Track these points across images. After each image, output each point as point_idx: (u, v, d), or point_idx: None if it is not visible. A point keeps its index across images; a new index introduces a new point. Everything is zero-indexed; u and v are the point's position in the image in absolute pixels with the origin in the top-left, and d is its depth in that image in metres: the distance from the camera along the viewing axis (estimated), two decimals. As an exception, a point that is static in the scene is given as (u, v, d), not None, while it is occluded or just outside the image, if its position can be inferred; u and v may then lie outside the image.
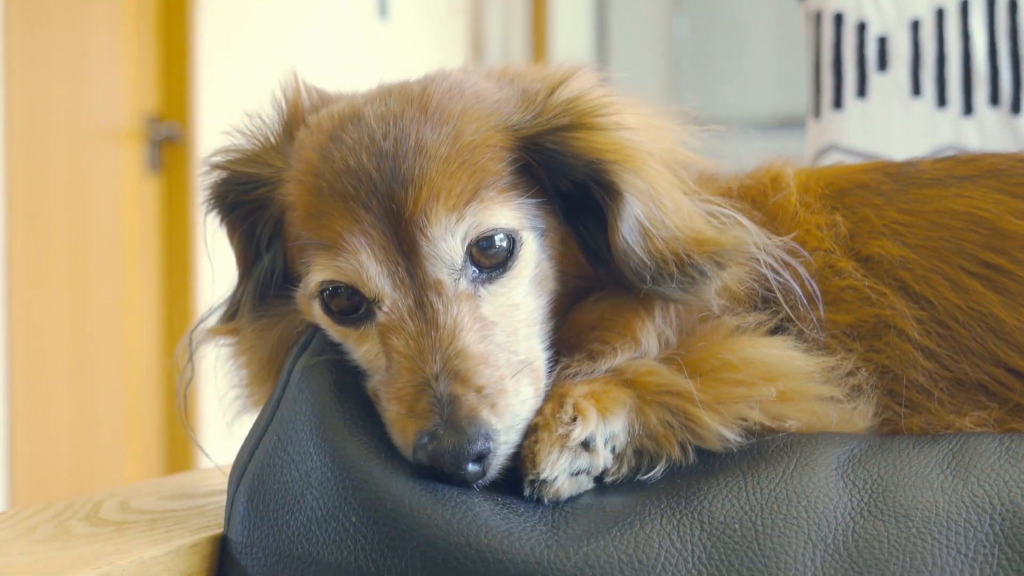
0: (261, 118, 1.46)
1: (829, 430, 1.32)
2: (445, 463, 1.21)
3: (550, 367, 1.34)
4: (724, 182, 1.49)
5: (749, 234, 1.36)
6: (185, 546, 1.22)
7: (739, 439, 1.29)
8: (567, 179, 1.35)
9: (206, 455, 1.50)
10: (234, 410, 1.50)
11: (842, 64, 2.49)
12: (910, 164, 1.53)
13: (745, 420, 1.30)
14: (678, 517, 1.18)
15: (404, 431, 1.25)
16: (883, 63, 2.47)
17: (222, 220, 1.48)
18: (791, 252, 1.38)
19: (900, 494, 1.18)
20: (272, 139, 1.44)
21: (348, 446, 1.25)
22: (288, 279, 1.44)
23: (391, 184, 1.29)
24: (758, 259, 1.35)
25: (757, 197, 1.48)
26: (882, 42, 2.47)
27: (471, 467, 1.21)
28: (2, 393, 4.46)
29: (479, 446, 1.21)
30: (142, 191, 5.24)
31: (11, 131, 4.51)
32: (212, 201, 1.46)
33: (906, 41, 2.46)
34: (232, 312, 1.50)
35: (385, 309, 1.30)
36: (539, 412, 1.28)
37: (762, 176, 1.51)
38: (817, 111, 2.53)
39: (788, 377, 1.33)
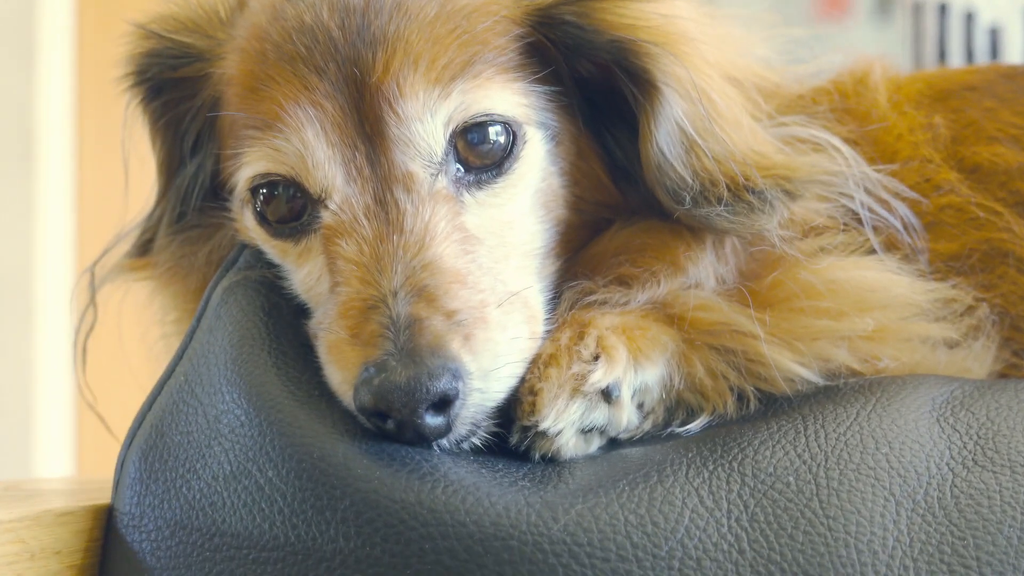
0: None
1: (935, 375, 1.04)
2: (394, 404, 0.87)
3: (555, 300, 1.02)
4: (796, 88, 1.18)
5: (844, 161, 1.06)
6: (49, 513, 0.90)
7: (816, 378, 0.99)
8: (588, 62, 1.05)
9: (105, 425, 1.19)
10: (155, 355, 1.19)
11: (947, 58, 2.24)
12: None
13: (828, 361, 1.00)
14: (711, 468, 0.88)
15: (344, 362, 0.93)
16: (995, 55, 2.22)
17: (144, 107, 1.18)
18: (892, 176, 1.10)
19: (1016, 440, 0.92)
20: (221, 11, 1.14)
21: (270, 382, 0.94)
22: (219, 193, 1.14)
23: (356, 44, 0.99)
24: (851, 196, 1.06)
25: (839, 99, 1.18)
26: (994, 34, 2.23)
27: (429, 418, 0.88)
28: (71, 417, 4.30)
29: (442, 384, 0.88)
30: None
31: (83, 135, 4.41)
32: (131, 77, 1.17)
33: (1021, 31, 2.21)
34: (148, 239, 1.19)
35: (333, 207, 0.99)
36: (551, 340, 0.97)
37: (845, 78, 1.22)
38: (919, 108, 2.24)
39: (888, 308, 1.04)
